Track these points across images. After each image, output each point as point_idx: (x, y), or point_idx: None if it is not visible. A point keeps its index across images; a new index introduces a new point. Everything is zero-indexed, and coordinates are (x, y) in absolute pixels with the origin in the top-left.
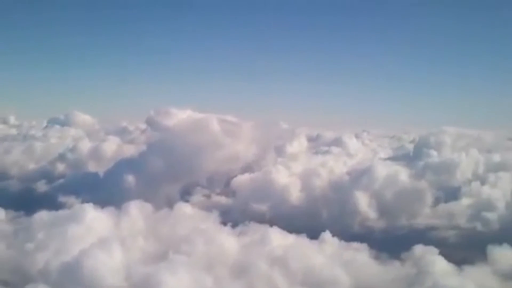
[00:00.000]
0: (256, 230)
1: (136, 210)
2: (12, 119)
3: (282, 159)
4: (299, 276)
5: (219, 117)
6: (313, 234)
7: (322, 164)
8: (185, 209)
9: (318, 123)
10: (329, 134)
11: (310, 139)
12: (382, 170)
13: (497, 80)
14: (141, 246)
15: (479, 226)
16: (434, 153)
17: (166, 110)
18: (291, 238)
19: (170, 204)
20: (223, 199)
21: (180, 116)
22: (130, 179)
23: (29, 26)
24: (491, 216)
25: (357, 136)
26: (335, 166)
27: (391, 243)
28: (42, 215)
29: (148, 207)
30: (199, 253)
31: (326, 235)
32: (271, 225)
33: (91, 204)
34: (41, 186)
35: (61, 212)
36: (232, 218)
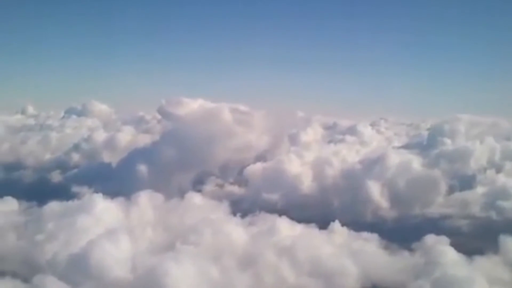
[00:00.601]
0: (265, 220)
1: (146, 200)
2: (30, 109)
3: (296, 147)
4: (307, 266)
5: (231, 106)
6: (325, 224)
7: (335, 153)
8: (195, 199)
9: (337, 111)
10: (346, 123)
11: (327, 127)
12: (395, 158)
13: None
14: (150, 237)
15: (494, 215)
16: (448, 141)
17: (178, 100)
18: (299, 228)
19: (182, 194)
20: (236, 189)
21: (191, 106)
22: (142, 169)
23: (48, 17)
24: (506, 204)
25: (374, 124)
26: (347, 155)
27: (402, 233)
28: (53, 206)
29: (159, 197)
30: (206, 243)
31: (336, 225)
32: (282, 215)
33: (100, 195)
34: (56, 176)
35: (71, 203)
36: (243, 208)
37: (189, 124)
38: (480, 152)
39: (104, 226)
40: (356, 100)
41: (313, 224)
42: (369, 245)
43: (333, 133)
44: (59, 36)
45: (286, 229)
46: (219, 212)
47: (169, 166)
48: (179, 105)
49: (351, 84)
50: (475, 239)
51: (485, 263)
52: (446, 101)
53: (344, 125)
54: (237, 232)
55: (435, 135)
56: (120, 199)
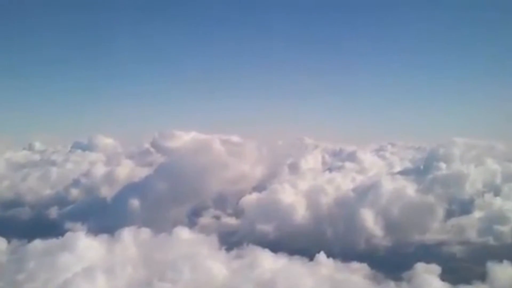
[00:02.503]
0: (251, 253)
1: (130, 236)
2: (37, 145)
3: (292, 176)
4: None
5: (222, 138)
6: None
7: (330, 181)
8: (183, 233)
9: (347, 137)
10: (351, 148)
11: (334, 154)
12: (388, 185)
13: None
14: (129, 274)
15: (491, 240)
16: (443, 165)
17: (170, 133)
18: (283, 261)
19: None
20: (232, 220)
21: (184, 138)
22: (135, 203)
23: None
24: (503, 229)
25: (380, 149)
26: (342, 183)
27: (394, 261)
28: (36, 244)
29: (146, 232)
30: (185, 280)
31: (321, 256)
32: (275, 246)
33: (83, 232)
34: (53, 213)
35: (54, 241)
36: (236, 240)
37: (181, 157)
38: (476, 175)
39: (84, 265)
40: (367, 125)
41: (298, 256)
42: (355, 276)
43: (337, 160)
44: (71, 68)
45: (269, 262)
46: (206, 246)
47: (162, 199)
48: (171, 138)
49: (362, 108)
50: (469, 266)
51: None
52: (457, 123)
53: (349, 151)
54: (217, 267)
55: (431, 159)
56: (104, 236)
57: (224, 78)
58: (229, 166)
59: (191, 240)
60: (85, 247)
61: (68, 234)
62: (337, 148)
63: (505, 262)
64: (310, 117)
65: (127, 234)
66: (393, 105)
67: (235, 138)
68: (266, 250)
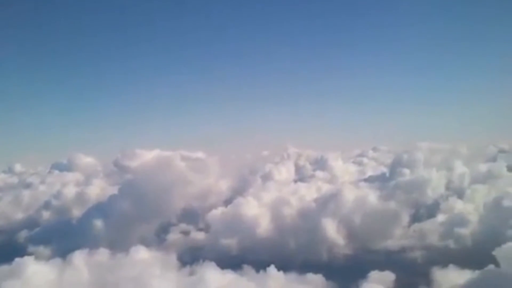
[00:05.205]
0: (201, 270)
1: (83, 259)
2: (18, 167)
3: (260, 188)
4: None
5: (183, 154)
6: (282, 266)
7: (295, 192)
8: (140, 253)
9: (333, 144)
10: (331, 155)
11: (315, 162)
12: (350, 194)
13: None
14: None
15: (451, 244)
16: (407, 171)
17: (132, 152)
18: (230, 276)
19: (145, 245)
20: (201, 235)
21: (146, 157)
22: (100, 224)
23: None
24: (463, 232)
25: (361, 155)
26: (307, 193)
27: (353, 270)
28: None
29: (104, 253)
30: None
31: (271, 269)
32: (237, 260)
33: (32, 257)
34: (22, 237)
35: (3, 267)
36: (202, 255)
37: (143, 175)
38: (439, 179)
39: None
40: (354, 130)
41: (256, 270)
42: None
43: (317, 168)
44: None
45: (216, 278)
46: (160, 266)
47: (127, 218)
48: (133, 157)
49: (347, 114)
50: (426, 271)
51: None
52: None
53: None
54: (164, 287)
55: (396, 165)
56: (57, 260)
57: (210, 90)
58: (191, 181)
59: (147, 260)
60: (33, 273)
61: (16, 260)
62: (319, 156)
63: (450, 266)
64: (296, 125)
65: (80, 257)
66: (383, 109)
67: (197, 154)
68: (214, 265)
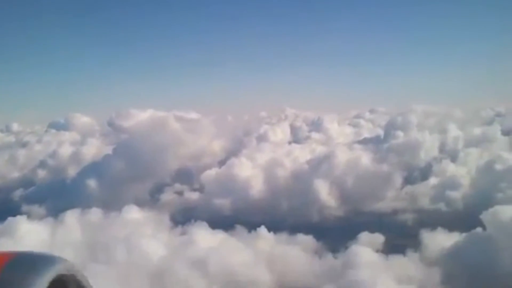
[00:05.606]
0: (191, 230)
1: (75, 219)
2: (15, 126)
3: (254, 149)
4: (220, 277)
5: (177, 115)
6: (273, 227)
7: (288, 153)
8: (132, 213)
9: (331, 105)
10: (329, 117)
11: (312, 123)
12: (343, 156)
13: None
14: (67, 257)
15: (442, 207)
16: (400, 133)
17: (127, 112)
18: (220, 237)
19: (139, 205)
20: (195, 195)
21: (140, 117)
22: (94, 183)
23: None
24: (455, 195)
25: (358, 116)
26: (300, 155)
27: (343, 231)
28: None
29: (96, 213)
30: (118, 261)
31: (262, 230)
32: (230, 220)
33: (25, 217)
34: (17, 195)
35: None
36: (195, 215)
37: (138, 136)
38: (432, 142)
39: (21, 249)
40: (353, 91)
41: (242, 230)
42: (295, 249)
43: (313, 130)
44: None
45: (206, 238)
46: (152, 225)
47: (121, 178)
48: (128, 117)
49: (346, 74)
50: (416, 234)
51: (402, 262)
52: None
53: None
54: (155, 247)
55: (390, 128)
56: (49, 219)
57: (206, 53)
58: (184, 142)
59: (139, 220)
60: (26, 232)
61: (9, 219)
62: (316, 117)
63: (439, 229)
64: (294, 86)
65: (72, 217)
66: (382, 70)
67: (191, 115)
68: (206, 225)
